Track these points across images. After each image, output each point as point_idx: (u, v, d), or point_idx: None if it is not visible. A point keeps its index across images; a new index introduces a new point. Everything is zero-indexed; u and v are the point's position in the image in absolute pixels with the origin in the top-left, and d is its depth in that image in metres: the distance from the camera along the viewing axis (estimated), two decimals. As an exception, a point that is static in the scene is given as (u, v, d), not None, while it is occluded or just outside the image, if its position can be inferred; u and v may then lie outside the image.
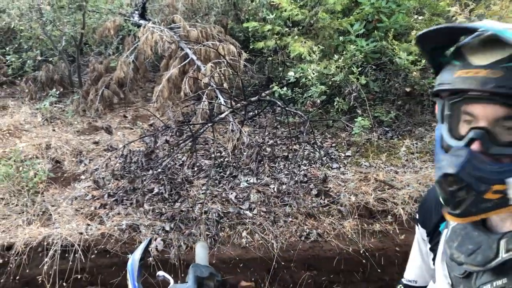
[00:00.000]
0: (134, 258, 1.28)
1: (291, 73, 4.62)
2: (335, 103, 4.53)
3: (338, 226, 3.55)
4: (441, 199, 0.91)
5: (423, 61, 4.50)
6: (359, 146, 4.28)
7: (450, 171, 0.84)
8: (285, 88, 4.47)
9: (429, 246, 1.20)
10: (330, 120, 4.60)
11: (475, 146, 0.85)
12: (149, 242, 1.39)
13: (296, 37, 4.94)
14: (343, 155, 4.26)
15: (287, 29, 5.10)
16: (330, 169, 4.06)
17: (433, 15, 5.13)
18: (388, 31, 4.80)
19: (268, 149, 4.30)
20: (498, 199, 0.85)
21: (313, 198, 3.74)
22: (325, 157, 4.19)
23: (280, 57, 5.15)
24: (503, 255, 0.91)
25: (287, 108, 4.29)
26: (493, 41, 0.81)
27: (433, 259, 1.16)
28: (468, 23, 0.80)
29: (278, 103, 4.29)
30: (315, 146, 4.27)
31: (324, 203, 3.70)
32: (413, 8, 5.25)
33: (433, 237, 1.18)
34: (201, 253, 1.46)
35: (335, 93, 4.68)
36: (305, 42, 4.86)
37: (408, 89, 4.65)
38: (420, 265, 1.28)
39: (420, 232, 1.23)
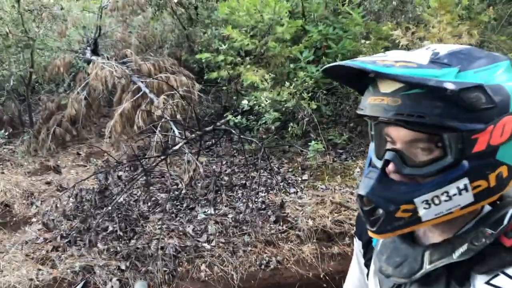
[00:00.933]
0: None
1: (245, 102, 4.66)
2: (289, 129, 4.59)
3: (297, 251, 3.54)
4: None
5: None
6: (314, 169, 4.33)
7: (361, 193, 0.88)
8: (239, 117, 4.50)
9: (363, 261, 1.21)
10: (285, 145, 4.66)
11: (390, 167, 0.88)
12: (85, 284, 1.34)
13: (249, 66, 5.01)
14: (299, 179, 4.29)
15: (239, 58, 5.18)
16: (288, 194, 4.07)
17: (379, 39, 5.33)
18: (337, 56, 4.95)
19: (226, 178, 4.28)
20: (410, 218, 0.88)
21: (272, 225, 3.73)
22: (282, 183, 4.21)
23: (234, 86, 5.20)
24: (426, 267, 0.94)
25: (242, 136, 4.31)
26: None
27: (367, 274, 1.18)
28: (362, 60, 0.84)
29: (233, 131, 4.31)
30: (272, 172, 4.29)
31: (283, 229, 3.69)
32: (359, 34, 5.45)
33: (367, 252, 1.19)
34: (141, 293, 1.42)
35: (289, 119, 4.75)
36: (257, 71, 4.94)
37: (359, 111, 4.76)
38: (358, 276, 1.28)
39: (357, 244, 1.24)
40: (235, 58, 5.13)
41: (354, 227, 1.28)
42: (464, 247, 0.92)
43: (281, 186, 4.15)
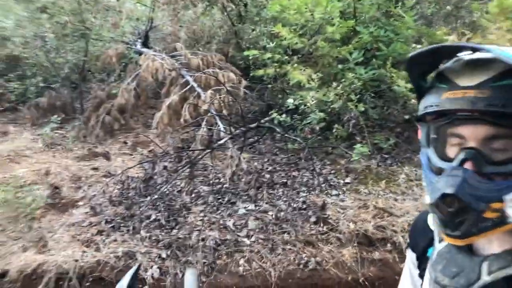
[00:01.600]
0: (121, 286, 1.26)
1: (290, 100, 4.65)
2: (334, 130, 4.55)
3: (337, 254, 3.49)
4: (438, 222, 0.90)
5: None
6: (358, 173, 4.27)
7: (448, 191, 0.82)
8: (284, 115, 4.49)
9: (418, 272, 1.18)
10: (329, 147, 4.61)
11: (468, 166, 0.84)
12: (138, 269, 1.37)
13: (296, 65, 4.99)
14: (342, 182, 4.24)
15: (286, 57, 5.17)
16: (329, 196, 4.03)
17: (431, 43, 5.19)
18: (387, 59, 4.85)
19: (267, 176, 4.28)
20: (497, 218, 0.85)
21: (312, 226, 3.70)
22: (324, 184, 4.17)
23: (279, 84, 5.19)
24: (485, 278, 0.91)
25: (286, 135, 4.30)
26: (476, 63, 0.83)
27: (421, 285, 1.14)
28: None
29: (277, 129, 4.30)
30: (314, 172, 4.25)
31: (323, 230, 3.66)
32: (411, 37, 5.33)
33: (422, 262, 1.16)
34: (190, 281, 1.43)
35: (334, 120, 4.70)
36: (304, 70, 4.91)
37: (407, 117, 4.67)
38: None
39: (411, 256, 1.21)
40: (282, 57, 5.12)
41: (408, 238, 1.24)
42: None
43: (323, 188, 4.12)
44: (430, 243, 1.12)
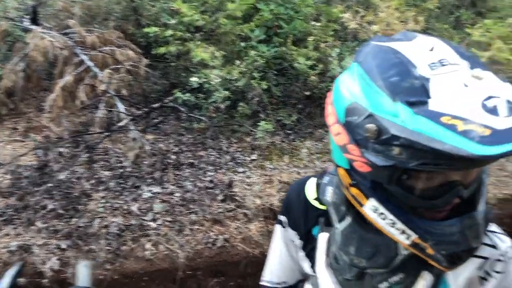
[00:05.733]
0: (1, 286, 1.16)
1: (194, 79, 4.56)
2: (239, 108, 4.56)
3: (244, 229, 3.56)
4: (433, 256, 0.86)
5: (320, 65, 4.71)
6: (263, 149, 4.35)
7: (463, 248, 0.84)
8: (188, 94, 4.40)
9: (303, 252, 1.16)
10: (234, 125, 4.62)
11: (456, 201, 0.87)
12: (21, 267, 1.26)
13: (199, 42, 4.89)
14: (248, 159, 4.29)
15: (189, 34, 5.04)
16: (236, 173, 4.07)
17: (329, 21, 5.38)
18: (288, 37, 4.94)
19: (173, 157, 4.20)
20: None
21: (219, 204, 3.72)
22: (231, 162, 4.19)
23: (183, 62, 5.07)
24: (403, 252, 0.92)
25: (191, 114, 4.23)
26: None
27: (312, 266, 1.13)
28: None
29: (181, 109, 4.21)
30: (221, 151, 4.25)
31: (230, 207, 3.69)
32: (310, 15, 5.46)
33: (308, 243, 1.15)
34: (82, 273, 1.35)
35: (239, 98, 4.71)
36: (207, 48, 4.83)
37: (307, 93, 4.82)
38: (290, 265, 1.23)
39: (288, 234, 1.19)
40: (184, 34, 4.99)
41: (281, 216, 1.21)
42: None
43: (230, 166, 4.14)
44: (315, 223, 1.12)
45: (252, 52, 4.61)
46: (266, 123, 4.34)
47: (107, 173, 3.92)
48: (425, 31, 6.26)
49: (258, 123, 4.40)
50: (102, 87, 4.12)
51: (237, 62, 4.61)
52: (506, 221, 4.12)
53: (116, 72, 4.32)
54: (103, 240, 3.28)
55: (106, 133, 3.78)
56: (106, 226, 3.38)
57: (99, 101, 4.01)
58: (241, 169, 4.11)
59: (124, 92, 4.22)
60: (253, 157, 4.29)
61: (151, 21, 5.54)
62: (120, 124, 3.87)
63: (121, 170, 3.94)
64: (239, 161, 4.22)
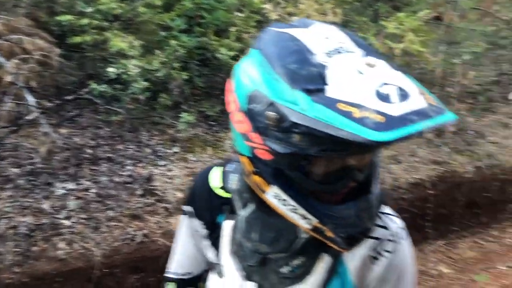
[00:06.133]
0: None
1: (111, 69, 4.38)
2: (160, 99, 4.45)
3: (164, 224, 3.49)
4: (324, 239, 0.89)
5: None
6: (186, 141, 4.29)
7: (358, 230, 0.89)
8: (105, 85, 4.22)
9: (209, 241, 1.17)
10: (156, 116, 4.51)
11: (351, 184, 0.92)
12: None
13: (116, 31, 4.70)
14: (170, 151, 4.21)
15: (106, 23, 4.83)
16: (157, 167, 3.97)
17: (251, 12, 5.38)
18: (210, 27, 4.88)
19: (90, 151, 4.02)
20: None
21: (138, 199, 3.62)
22: (152, 155, 4.09)
23: (100, 52, 4.85)
24: (303, 236, 0.95)
25: (107, 107, 4.07)
26: None
27: (217, 255, 1.14)
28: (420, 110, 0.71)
29: (98, 101, 4.04)
30: (141, 144, 4.14)
31: (150, 202, 3.61)
32: (233, 5, 5.44)
33: (213, 232, 1.15)
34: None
35: (160, 89, 4.60)
36: (126, 37, 4.66)
37: (230, 84, 4.80)
38: (195, 255, 1.24)
39: (193, 224, 1.19)
40: (101, 22, 4.77)
41: (187, 206, 1.22)
42: None
43: (150, 159, 4.04)
44: (220, 211, 1.13)
45: (173, 42, 4.51)
46: (188, 115, 4.28)
47: (15, 170, 3.67)
48: (344, 23, 6.48)
49: (180, 115, 4.33)
50: (9, 78, 3.84)
51: (158, 52, 4.49)
52: (417, 204, 4.40)
53: (24, 62, 4.04)
54: (11, 241, 3.08)
55: (14, 128, 3.53)
56: (14, 227, 3.17)
57: (5, 93, 3.73)
58: (162, 162, 4.03)
59: (34, 83, 3.96)
60: (175, 149, 4.22)
61: (66, 9, 5.24)
62: (29, 117, 3.63)
63: (32, 167, 3.70)
64: (160, 154, 4.13)
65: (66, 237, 3.22)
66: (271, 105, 0.78)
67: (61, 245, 3.17)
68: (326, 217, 0.85)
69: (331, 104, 0.71)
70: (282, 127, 0.76)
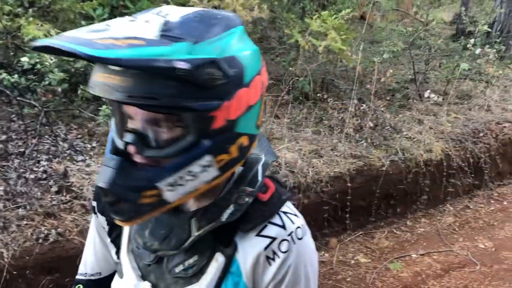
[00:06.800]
0: None
1: (25, 59, 4.13)
2: (79, 92, 4.26)
3: (82, 221, 3.36)
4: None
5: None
6: (105, 135, 4.14)
7: (100, 185, 0.81)
8: (17, 76, 3.97)
9: (109, 239, 1.14)
10: (75, 110, 4.32)
11: (131, 149, 0.83)
12: None
13: (31, 19, 4.43)
14: (89, 146, 4.05)
15: (20, 9, 4.54)
16: (74, 162, 3.81)
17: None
18: (134, 17, 4.74)
19: (0, 146, 3.77)
20: (155, 202, 0.85)
21: (53, 196, 3.46)
22: (69, 150, 3.91)
23: (13, 40, 4.54)
24: (195, 234, 0.93)
25: (19, 98, 3.83)
26: None
27: (117, 253, 1.11)
28: (76, 37, 0.73)
29: (8, 92, 3.79)
30: (57, 138, 3.94)
31: (66, 199, 3.46)
32: (159, -4, 5.33)
33: (113, 229, 1.12)
34: None
35: (80, 81, 4.40)
36: (42, 25, 4.40)
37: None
38: (103, 254, 1.19)
39: (99, 221, 1.15)
40: (14, 9, 4.48)
41: (94, 202, 1.17)
42: (231, 208, 0.93)
43: (67, 154, 3.86)
44: None
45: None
46: (108, 108, 4.13)
47: None
48: (272, 20, 6.58)
49: (100, 108, 4.17)
50: None
51: (77, 42, 4.28)
52: (338, 197, 4.58)
53: None
54: None
55: None
56: None
57: None
58: (80, 158, 3.87)
59: None
60: (94, 144, 4.07)
61: (-27, -8, 4.85)
62: None
63: None
64: (78, 148, 3.96)
65: (-31, 238, 3.00)
66: None
67: (-36, 247, 2.95)
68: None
69: None
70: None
